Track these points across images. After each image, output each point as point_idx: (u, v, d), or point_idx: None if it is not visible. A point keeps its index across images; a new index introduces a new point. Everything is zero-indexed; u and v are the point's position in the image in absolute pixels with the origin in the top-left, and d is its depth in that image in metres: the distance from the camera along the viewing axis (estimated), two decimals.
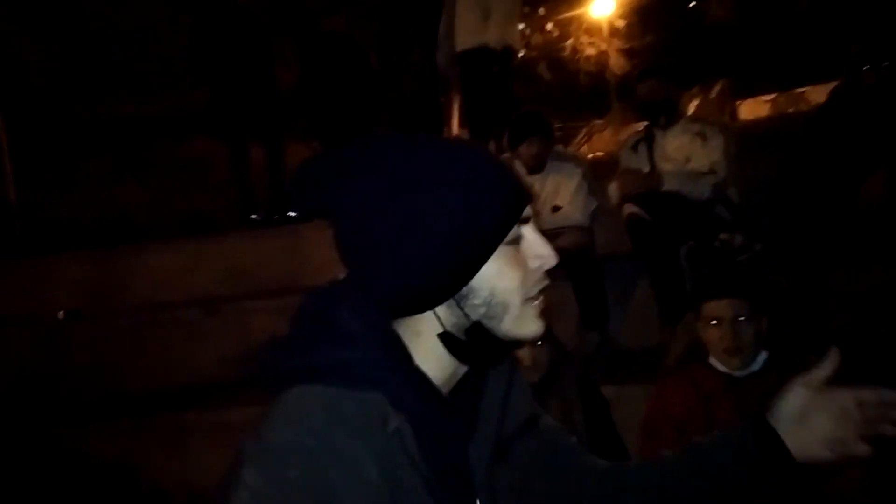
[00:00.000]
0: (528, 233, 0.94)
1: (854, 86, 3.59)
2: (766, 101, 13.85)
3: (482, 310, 0.91)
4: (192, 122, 6.53)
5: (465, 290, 0.90)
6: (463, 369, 0.96)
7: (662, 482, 1.07)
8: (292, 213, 5.31)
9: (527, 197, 0.94)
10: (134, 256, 4.94)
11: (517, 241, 0.92)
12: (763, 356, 2.23)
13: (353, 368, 0.87)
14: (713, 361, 2.26)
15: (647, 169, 3.81)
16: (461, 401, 0.96)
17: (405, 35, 5.02)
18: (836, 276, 3.32)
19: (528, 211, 0.93)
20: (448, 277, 0.89)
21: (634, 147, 3.94)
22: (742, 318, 2.18)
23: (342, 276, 0.94)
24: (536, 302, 0.94)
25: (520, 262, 0.92)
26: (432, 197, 0.87)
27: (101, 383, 4.18)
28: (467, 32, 4.80)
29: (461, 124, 5.32)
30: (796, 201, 3.56)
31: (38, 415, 4.00)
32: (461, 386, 0.96)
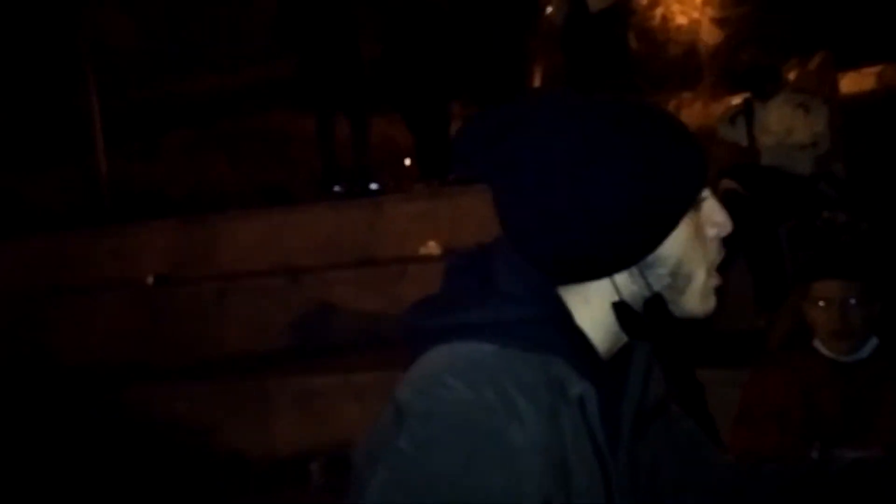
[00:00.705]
0: (708, 200, 0.88)
1: None
2: (871, 74, 13.12)
3: (667, 280, 0.86)
4: (272, 95, 6.62)
5: (651, 258, 0.85)
6: (621, 343, 0.90)
7: (788, 489, 1.01)
8: (374, 186, 5.35)
9: (707, 159, 0.89)
10: (218, 226, 5.03)
11: (698, 207, 0.87)
12: (873, 342, 2.10)
13: (519, 327, 0.82)
14: (818, 345, 2.14)
15: (745, 143, 3.67)
16: (613, 374, 0.92)
17: (491, 4, 4.93)
18: None
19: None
20: (635, 244, 0.84)
21: (732, 120, 3.83)
22: (853, 301, 2.06)
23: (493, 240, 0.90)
24: (717, 280, 0.89)
25: (702, 231, 0.88)
26: (625, 158, 0.82)
27: (187, 348, 4.30)
28: None
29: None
30: None
31: (127, 377, 4.13)
32: (612, 360, 0.91)
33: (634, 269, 0.85)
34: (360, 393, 3.65)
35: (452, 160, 0.92)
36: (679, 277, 0.86)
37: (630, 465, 0.92)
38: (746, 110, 3.79)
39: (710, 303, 0.89)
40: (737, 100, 4.18)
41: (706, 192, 0.88)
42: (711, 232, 0.88)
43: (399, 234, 4.66)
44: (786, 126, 3.66)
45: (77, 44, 5.87)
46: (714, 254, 0.89)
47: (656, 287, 0.86)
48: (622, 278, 0.86)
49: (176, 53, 6.76)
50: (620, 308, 0.86)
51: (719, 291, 0.90)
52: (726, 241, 0.90)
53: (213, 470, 3.64)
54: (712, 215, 0.88)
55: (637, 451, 0.94)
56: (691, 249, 0.86)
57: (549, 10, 5.05)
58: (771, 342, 2.67)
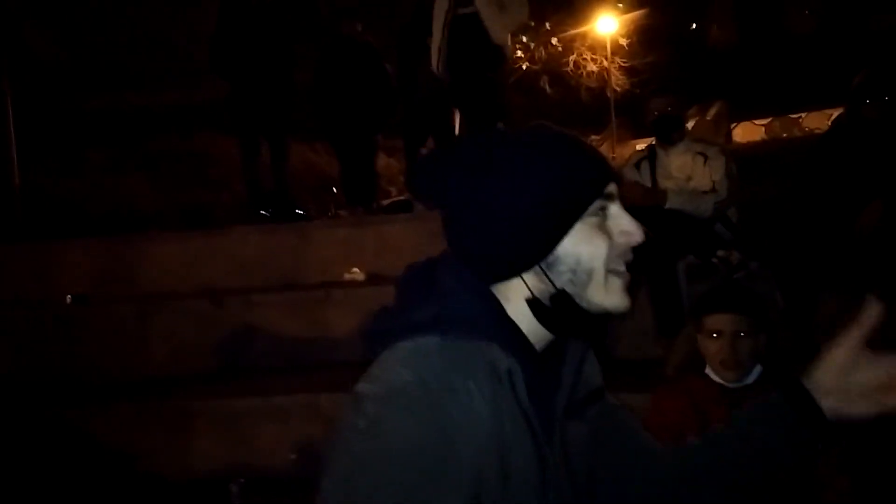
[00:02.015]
0: (615, 209, 1.01)
1: (855, 117, 3.67)
2: (761, 125, 13.94)
3: (567, 276, 0.99)
4: (197, 117, 6.57)
5: (551, 257, 0.99)
6: (549, 337, 1.03)
7: (710, 458, 1.10)
8: (300, 212, 5.41)
9: (610, 173, 1.02)
10: (140, 246, 4.98)
11: (603, 215, 1.00)
12: (758, 370, 2.28)
13: (457, 319, 0.97)
14: (709, 372, 2.31)
15: (649, 185, 3.92)
16: (547, 365, 1.05)
17: (421, 42, 5.09)
18: (829, 300, 3.40)
19: (613, 188, 1.01)
20: (533, 245, 0.98)
21: (637, 165, 4.03)
22: (742, 334, 2.23)
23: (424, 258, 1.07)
24: (622, 276, 1.01)
25: (605, 234, 1.00)
26: (519, 175, 0.98)
27: (107, 368, 4.21)
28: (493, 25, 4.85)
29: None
30: (794, 225, 3.65)
31: (44, 397, 4.02)
32: (544, 352, 1.04)
33: (538, 268, 0.99)
34: (281, 415, 3.67)
35: (410, 191, 1.17)
36: (578, 274, 0.98)
37: (564, 448, 1.03)
38: (650, 156, 4.01)
39: (618, 298, 1.01)
40: (641, 144, 4.38)
41: (616, 204, 1.01)
42: (621, 239, 1.00)
43: (324, 259, 4.71)
44: (686, 173, 3.89)
45: None
46: (618, 255, 1.00)
47: (559, 284, 0.99)
48: (530, 277, 0.99)
49: (102, 70, 6.63)
50: (533, 305, 1.00)
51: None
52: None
53: (132, 491, 3.59)
54: (621, 223, 1.01)
55: (570, 435, 1.05)
56: (591, 248, 0.98)
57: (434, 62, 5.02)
58: (668, 368, 2.85)
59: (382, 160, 5.55)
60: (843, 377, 0.99)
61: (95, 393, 4.05)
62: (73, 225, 5.53)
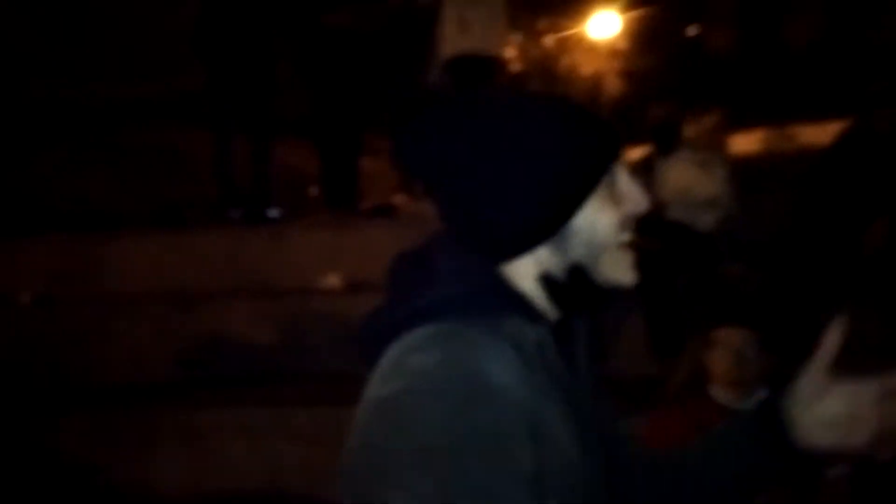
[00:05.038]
0: (622, 177, 0.97)
1: (866, 130, 3.58)
2: (758, 136, 13.97)
3: (582, 249, 0.95)
4: (170, 111, 6.37)
5: (566, 229, 0.94)
6: (557, 319, 0.99)
7: (687, 469, 1.10)
8: (274, 213, 5.23)
9: (618, 141, 0.98)
10: (105, 245, 4.77)
11: (612, 183, 0.96)
12: (763, 393, 2.23)
13: (468, 299, 0.91)
14: (713, 391, 2.28)
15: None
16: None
17: (409, 37, 4.97)
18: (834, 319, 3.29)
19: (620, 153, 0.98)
20: (551, 215, 0.94)
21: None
22: (750, 351, 2.21)
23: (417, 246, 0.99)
24: (628, 249, 0.97)
25: (614, 203, 0.96)
26: (533, 142, 0.93)
27: (66, 375, 4.05)
28: (446, 42, 4.91)
29: None
30: (799, 240, 3.56)
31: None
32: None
33: (551, 242, 0.94)
34: (250, 430, 3.55)
35: (397, 163, 1.03)
36: (593, 247, 0.95)
37: (596, 418, 1.00)
38: (646, 165, 3.94)
39: (628, 273, 0.98)
40: (636, 152, 4.34)
41: (621, 170, 0.97)
42: (629, 208, 0.97)
43: (300, 264, 4.53)
44: (684, 183, 3.81)
45: None
46: (625, 225, 0.97)
47: (574, 256, 0.95)
48: (544, 251, 0.95)
49: (67, 60, 6.42)
50: (546, 281, 0.95)
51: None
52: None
53: None
54: (628, 192, 0.97)
55: (600, 412, 1.03)
56: (606, 221, 0.95)
57: None
58: (669, 388, 2.76)
59: (365, 161, 5.38)
60: (806, 408, 0.98)
61: (53, 402, 3.89)
62: (31, 221, 5.29)
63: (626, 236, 0.97)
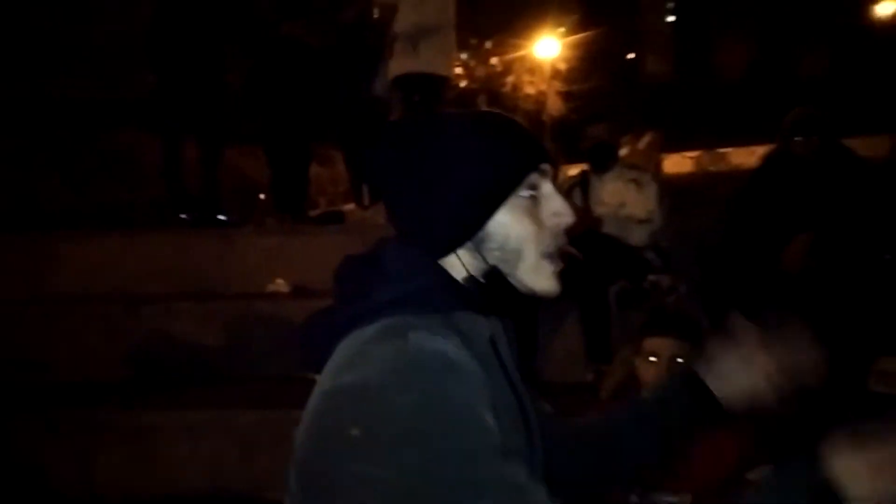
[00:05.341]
0: (547, 189, 1.04)
1: (786, 154, 3.80)
2: (690, 158, 14.42)
3: (497, 254, 1.01)
4: (117, 112, 6.29)
5: (482, 234, 1.01)
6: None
7: (615, 430, 1.20)
8: (222, 217, 5.23)
9: (542, 154, 1.04)
10: (49, 245, 4.69)
11: (535, 196, 1.03)
12: None
13: (416, 297, 0.97)
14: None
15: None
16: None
17: (363, 47, 5.04)
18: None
19: (546, 167, 1.04)
20: (464, 220, 1.01)
21: (569, 191, 4.07)
22: (680, 359, 2.19)
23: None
24: (553, 260, 1.03)
25: (536, 215, 1.02)
26: (451, 153, 1.01)
27: (6, 374, 3.90)
28: (396, 59, 5.00)
29: None
30: (723, 255, 3.73)
31: None
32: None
33: (470, 245, 1.01)
34: (193, 431, 3.50)
35: (351, 174, 1.14)
36: (508, 252, 1.01)
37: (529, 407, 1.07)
38: (582, 182, 4.07)
39: (547, 282, 1.03)
40: (573, 170, 4.48)
41: (547, 185, 1.04)
42: (552, 221, 1.03)
43: (247, 268, 4.54)
44: (618, 199, 3.97)
45: None
46: (549, 238, 1.03)
47: (490, 261, 1.01)
48: (465, 254, 1.01)
49: (21, 58, 6.28)
50: (469, 280, 1.01)
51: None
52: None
53: None
54: (552, 204, 1.03)
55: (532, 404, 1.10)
56: (520, 228, 1.01)
57: None
58: (602, 392, 2.84)
59: (313, 168, 5.41)
60: (722, 380, 1.12)
61: None
62: None
63: (549, 247, 1.02)
